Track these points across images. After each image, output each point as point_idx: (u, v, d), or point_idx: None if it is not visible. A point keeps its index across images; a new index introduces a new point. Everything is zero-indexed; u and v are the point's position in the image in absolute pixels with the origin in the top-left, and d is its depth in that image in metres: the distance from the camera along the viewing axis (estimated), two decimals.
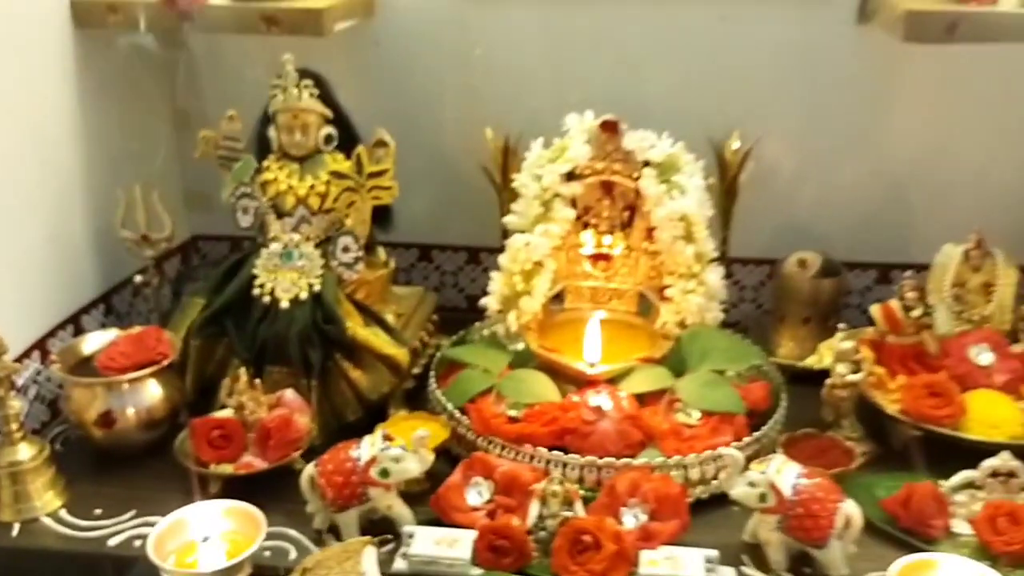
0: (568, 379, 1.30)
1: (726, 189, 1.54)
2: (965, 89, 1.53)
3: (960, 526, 1.14)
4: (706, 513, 1.18)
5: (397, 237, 1.73)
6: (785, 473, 1.07)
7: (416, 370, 1.44)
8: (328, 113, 1.36)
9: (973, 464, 1.18)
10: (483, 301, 1.43)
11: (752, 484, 1.07)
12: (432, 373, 1.37)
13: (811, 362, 1.43)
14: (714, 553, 1.08)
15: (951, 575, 0.91)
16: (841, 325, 1.32)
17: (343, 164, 1.35)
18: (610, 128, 1.38)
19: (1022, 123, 1.54)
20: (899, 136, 1.57)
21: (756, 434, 1.22)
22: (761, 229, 1.63)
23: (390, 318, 1.44)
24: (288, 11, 1.37)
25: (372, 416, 1.32)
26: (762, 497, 1.06)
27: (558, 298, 1.46)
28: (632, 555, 1.06)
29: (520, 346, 1.38)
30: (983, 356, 1.33)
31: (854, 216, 1.62)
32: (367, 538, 0.97)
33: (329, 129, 1.36)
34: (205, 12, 1.37)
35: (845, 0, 1.49)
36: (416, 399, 1.40)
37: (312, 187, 1.34)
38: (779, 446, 1.22)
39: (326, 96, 1.36)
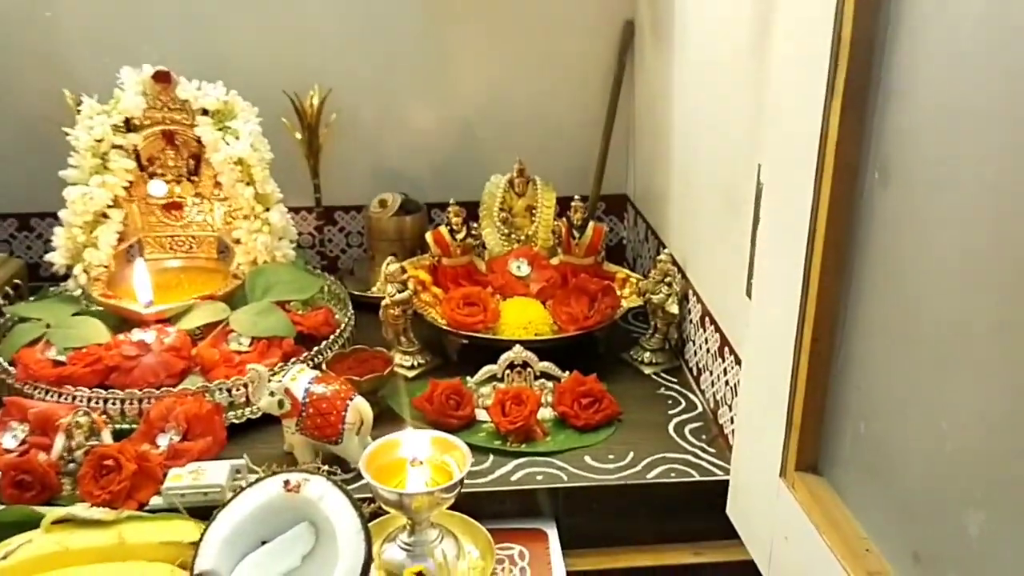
0: (132, 323, 1.33)
1: (309, 140, 1.63)
2: (513, 40, 1.69)
3: (482, 415, 1.29)
4: (258, 432, 1.25)
5: None
6: (299, 380, 1.16)
7: None
8: None
9: None
10: (48, 256, 1.42)
11: (272, 393, 1.15)
12: None
13: (376, 290, 1.54)
14: (241, 462, 1.14)
15: (409, 446, 1.04)
16: (391, 257, 1.42)
17: None
18: (163, 79, 1.42)
19: (566, 64, 1.71)
20: (464, 84, 1.72)
21: (305, 354, 1.31)
22: (353, 177, 1.73)
23: None
24: None
25: None
26: (280, 404, 1.15)
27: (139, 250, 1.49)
28: (159, 473, 1.11)
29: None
30: (522, 268, 1.49)
31: (435, 158, 1.75)
32: None
33: None
34: None
35: None
36: None
37: None
38: (326, 363, 1.31)
39: None
